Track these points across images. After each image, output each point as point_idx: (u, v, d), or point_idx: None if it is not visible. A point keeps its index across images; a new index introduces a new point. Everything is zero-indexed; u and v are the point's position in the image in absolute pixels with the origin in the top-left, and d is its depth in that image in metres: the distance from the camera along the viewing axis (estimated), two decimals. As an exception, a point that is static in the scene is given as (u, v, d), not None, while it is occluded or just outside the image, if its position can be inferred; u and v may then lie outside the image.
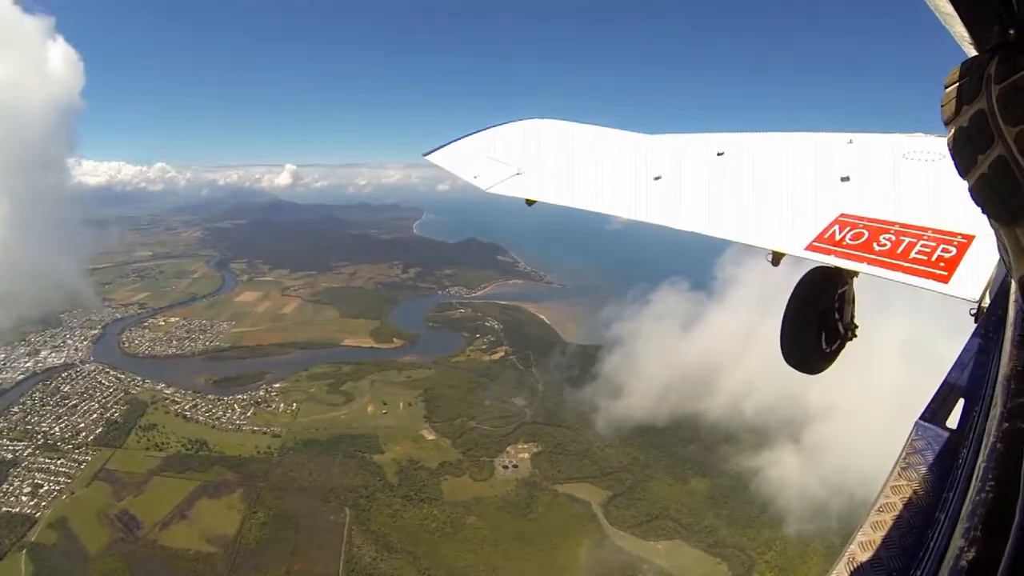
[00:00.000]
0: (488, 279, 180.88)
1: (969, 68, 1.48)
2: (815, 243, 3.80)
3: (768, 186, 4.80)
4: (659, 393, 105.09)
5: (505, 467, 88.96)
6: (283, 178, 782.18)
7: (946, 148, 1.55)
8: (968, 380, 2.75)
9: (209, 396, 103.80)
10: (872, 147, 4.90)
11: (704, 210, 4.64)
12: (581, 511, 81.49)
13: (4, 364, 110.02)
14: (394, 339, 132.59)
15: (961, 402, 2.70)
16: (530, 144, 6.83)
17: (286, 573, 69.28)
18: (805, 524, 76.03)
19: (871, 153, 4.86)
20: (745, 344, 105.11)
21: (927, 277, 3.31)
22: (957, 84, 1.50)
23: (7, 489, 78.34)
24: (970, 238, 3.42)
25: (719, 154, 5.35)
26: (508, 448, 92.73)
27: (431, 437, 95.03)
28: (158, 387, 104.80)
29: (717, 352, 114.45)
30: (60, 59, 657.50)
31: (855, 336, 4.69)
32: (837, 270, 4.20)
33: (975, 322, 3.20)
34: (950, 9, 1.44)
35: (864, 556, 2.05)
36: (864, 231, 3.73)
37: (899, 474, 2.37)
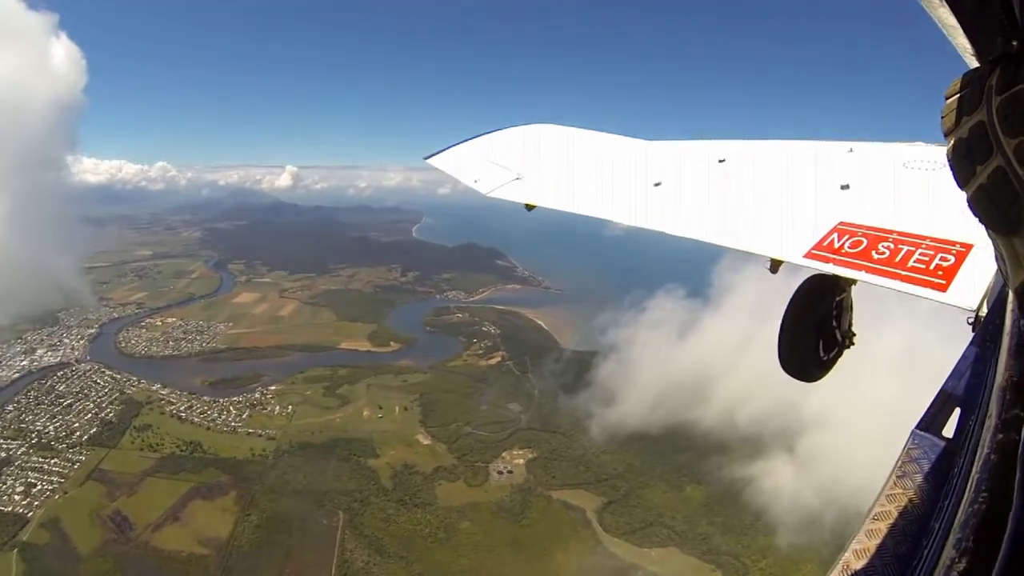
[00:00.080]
0: (486, 283, 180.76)
1: (970, 80, 1.49)
2: (814, 251, 3.79)
3: (768, 193, 4.82)
4: (654, 400, 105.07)
5: (500, 473, 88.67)
6: (284, 179, 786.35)
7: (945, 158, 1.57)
8: (964, 389, 2.76)
9: (205, 397, 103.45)
10: (872, 156, 4.91)
11: (703, 217, 4.64)
12: (575, 517, 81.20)
13: (0, 362, 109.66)
14: (391, 343, 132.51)
15: (957, 411, 2.71)
16: (530, 149, 6.82)
17: (278, 576, 68.92)
18: (798, 535, 75.74)
19: (871, 162, 4.87)
20: (741, 352, 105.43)
21: (925, 286, 3.30)
22: (958, 95, 1.51)
23: (-1, 488, 78.02)
24: (968, 247, 3.41)
25: (720, 161, 5.36)
26: (503, 453, 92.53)
27: (426, 442, 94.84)
28: (154, 388, 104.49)
29: (712, 360, 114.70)
30: (63, 56, 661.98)
31: (853, 344, 4.68)
32: (835, 278, 4.16)
33: (972, 331, 3.22)
34: (953, 21, 1.45)
35: (859, 564, 2.05)
36: (863, 239, 3.73)
37: (895, 482, 2.37)
